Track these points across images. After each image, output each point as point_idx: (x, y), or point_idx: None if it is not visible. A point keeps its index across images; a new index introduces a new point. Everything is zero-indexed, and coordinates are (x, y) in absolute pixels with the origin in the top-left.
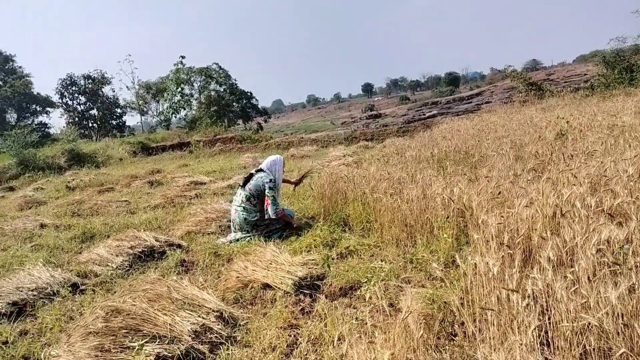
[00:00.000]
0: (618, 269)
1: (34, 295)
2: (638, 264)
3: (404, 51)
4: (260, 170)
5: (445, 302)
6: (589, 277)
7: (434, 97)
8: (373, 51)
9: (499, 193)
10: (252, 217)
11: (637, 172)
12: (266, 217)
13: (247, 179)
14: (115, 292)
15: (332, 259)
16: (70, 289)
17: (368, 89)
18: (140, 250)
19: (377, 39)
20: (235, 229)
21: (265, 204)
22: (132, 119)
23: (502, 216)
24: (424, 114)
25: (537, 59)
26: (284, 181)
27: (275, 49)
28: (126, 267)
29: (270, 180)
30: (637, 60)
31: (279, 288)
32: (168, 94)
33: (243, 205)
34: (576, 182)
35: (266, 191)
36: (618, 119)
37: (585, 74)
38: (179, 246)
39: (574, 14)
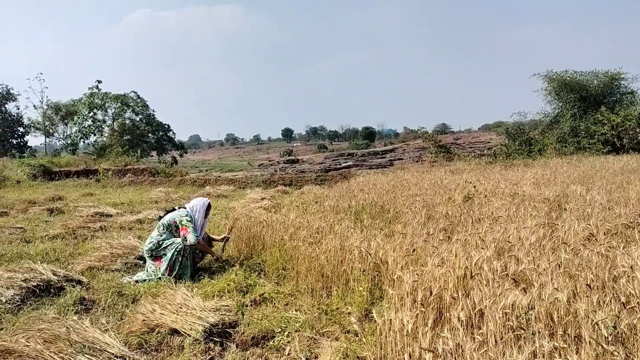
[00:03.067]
0: (522, 334)
1: None
2: (540, 330)
3: (326, 102)
4: (183, 208)
5: (358, 358)
6: (496, 340)
7: (350, 149)
8: (296, 98)
9: (414, 250)
10: (147, 246)
11: (538, 240)
12: (186, 244)
13: (167, 213)
14: (2, 329)
15: (246, 305)
16: None
17: (288, 134)
18: (35, 284)
19: (301, 87)
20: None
21: (183, 233)
22: (35, 140)
23: (417, 274)
24: (340, 164)
25: (446, 123)
26: (212, 239)
27: (198, 84)
28: (17, 301)
29: (187, 215)
30: (535, 135)
31: (188, 334)
32: (79, 118)
33: (151, 235)
34: (484, 246)
35: (183, 222)
36: (519, 187)
37: (488, 142)
38: (79, 282)
39: (483, 85)
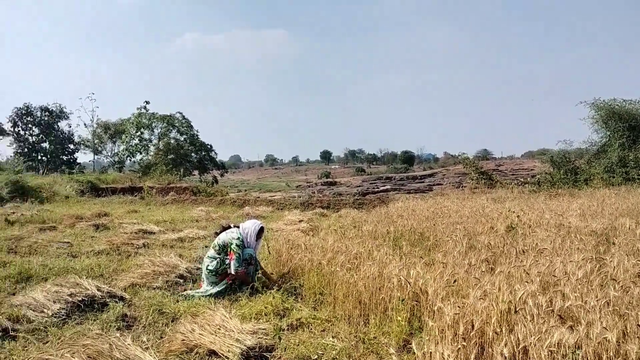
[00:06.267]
0: None
1: None
2: None
3: (365, 125)
4: (237, 227)
5: None
6: None
7: (388, 173)
8: (335, 120)
9: (455, 281)
10: (212, 265)
11: (585, 276)
12: (228, 271)
13: (223, 230)
14: (47, 342)
15: (283, 330)
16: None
17: (326, 156)
18: (80, 298)
19: (341, 110)
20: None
21: (229, 257)
22: (84, 157)
23: (458, 306)
24: (378, 187)
25: (488, 149)
26: (264, 274)
27: (241, 104)
28: (63, 315)
29: (238, 238)
30: (581, 164)
31: (225, 356)
32: (126, 136)
33: (209, 254)
34: (528, 280)
35: (232, 246)
36: (564, 219)
37: (532, 169)
38: (122, 298)
39: (526, 111)
